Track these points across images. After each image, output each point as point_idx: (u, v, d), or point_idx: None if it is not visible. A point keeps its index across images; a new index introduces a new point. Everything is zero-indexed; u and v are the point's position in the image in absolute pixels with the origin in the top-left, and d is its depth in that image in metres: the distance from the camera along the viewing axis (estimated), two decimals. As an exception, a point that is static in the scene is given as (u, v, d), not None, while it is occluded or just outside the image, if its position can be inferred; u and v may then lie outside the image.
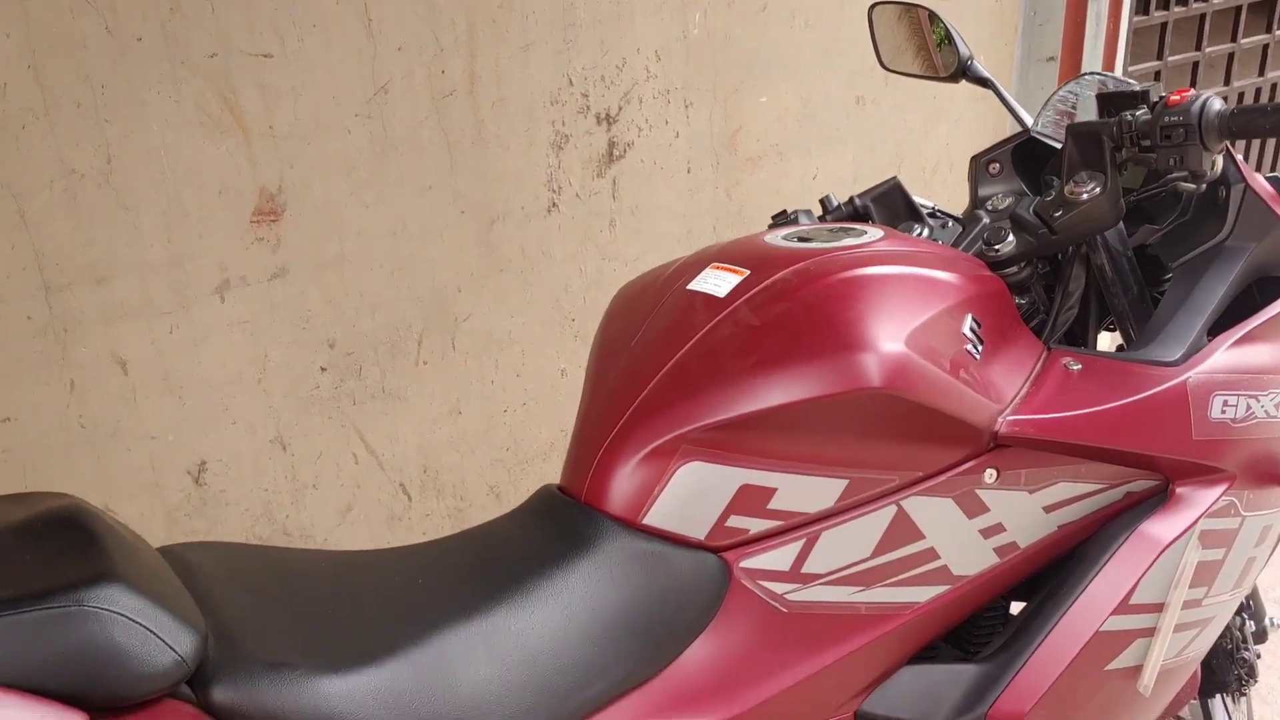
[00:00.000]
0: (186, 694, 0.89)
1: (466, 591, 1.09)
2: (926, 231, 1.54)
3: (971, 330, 1.24)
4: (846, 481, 1.17)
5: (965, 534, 1.24)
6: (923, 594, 1.24)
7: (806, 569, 1.18)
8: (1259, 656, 1.99)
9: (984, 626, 1.42)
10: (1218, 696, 1.94)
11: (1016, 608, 1.41)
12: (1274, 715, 2.38)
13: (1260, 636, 1.99)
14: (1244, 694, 1.92)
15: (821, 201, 1.63)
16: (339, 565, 1.16)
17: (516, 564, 1.15)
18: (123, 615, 0.85)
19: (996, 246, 1.46)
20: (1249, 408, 1.37)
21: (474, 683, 1.01)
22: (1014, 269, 1.47)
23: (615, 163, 2.68)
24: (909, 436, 1.18)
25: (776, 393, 1.14)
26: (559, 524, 1.19)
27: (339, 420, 2.47)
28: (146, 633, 0.85)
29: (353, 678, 0.95)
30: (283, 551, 1.20)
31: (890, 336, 1.16)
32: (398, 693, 0.96)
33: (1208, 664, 1.84)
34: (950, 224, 1.60)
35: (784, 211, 1.60)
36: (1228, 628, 1.84)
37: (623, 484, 1.17)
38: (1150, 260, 1.54)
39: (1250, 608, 1.91)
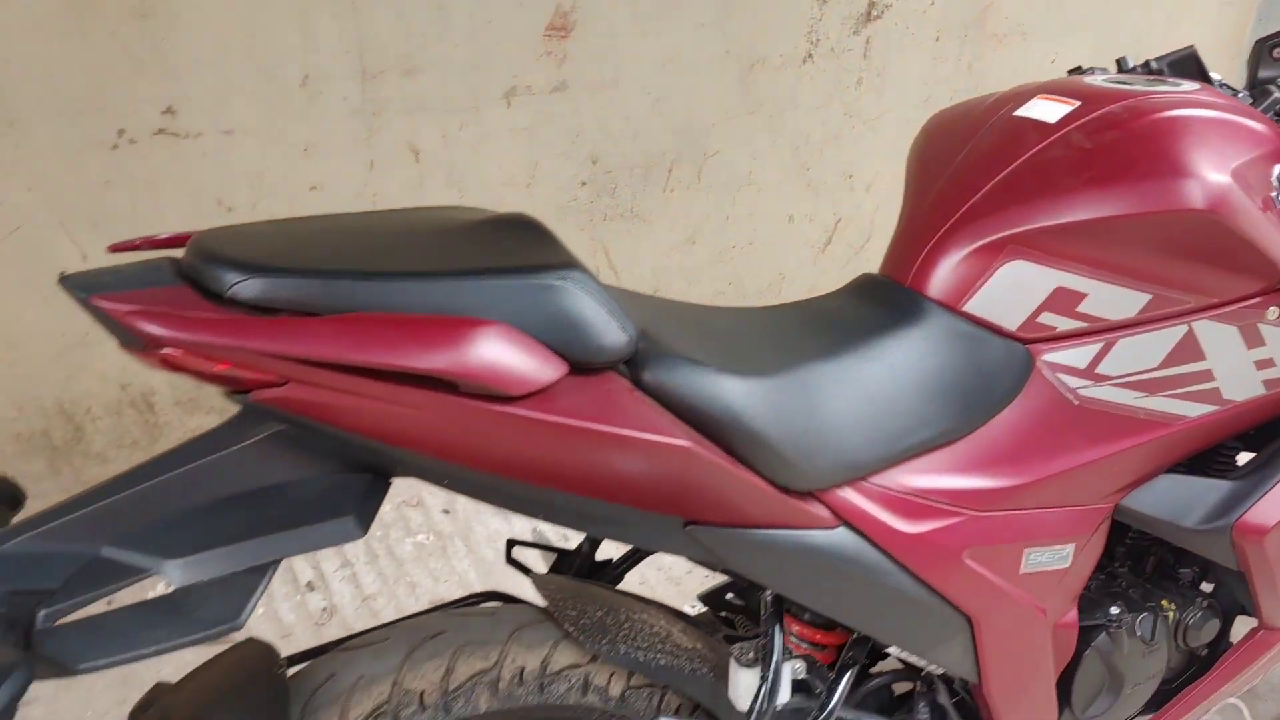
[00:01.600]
0: (623, 371, 1.09)
1: (819, 340, 1.26)
2: None
3: (1277, 179, 1.36)
4: (1149, 297, 1.31)
5: (1241, 362, 1.37)
6: (1193, 410, 1.38)
7: (1100, 370, 1.33)
8: None
9: (1221, 462, 1.56)
10: None
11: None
12: None
13: None
14: None
15: (1117, 62, 1.73)
16: (711, 309, 1.34)
17: (855, 326, 1.31)
18: (592, 296, 1.04)
19: None
20: None
21: (830, 409, 1.19)
22: None
23: (871, 22, 2.78)
24: (1213, 262, 1.30)
25: (1105, 205, 1.28)
26: (888, 301, 1.36)
27: (590, 232, 2.66)
28: (608, 314, 1.04)
29: (747, 382, 1.13)
30: (660, 298, 1.38)
31: (1216, 167, 1.28)
32: (778, 402, 1.14)
33: None
34: (1241, 94, 1.69)
35: (1079, 67, 1.71)
36: None
37: (949, 273, 1.33)
38: None
39: None
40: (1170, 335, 1.34)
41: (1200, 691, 1.58)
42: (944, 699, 1.43)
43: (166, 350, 0.94)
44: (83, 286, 0.94)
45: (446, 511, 2.85)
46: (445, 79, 2.35)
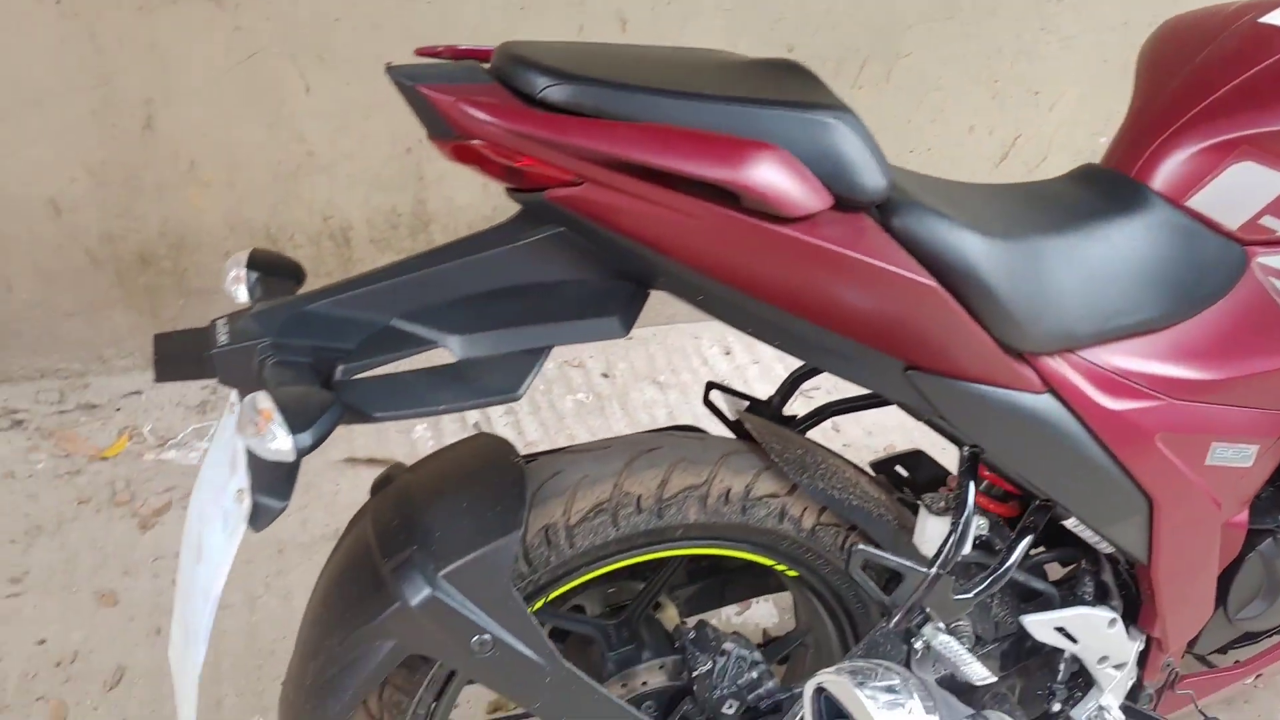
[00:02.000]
0: (874, 214, 1.15)
1: (1047, 216, 1.31)
2: None
3: None
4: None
5: None
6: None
7: (1308, 277, 1.36)
8: None
9: None
10: None
11: None
12: None
13: None
14: None
15: None
16: (945, 181, 1.40)
17: (1080, 208, 1.35)
18: (860, 138, 1.10)
19: None
20: None
21: (1054, 279, 1.24)
22: None
23: (1082, -65, 2.75)
24: None
25: (1344, 115, 1.30)
26: (1112, 189, 1.39)
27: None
28: (872, 156, 1.10)
29: (986, 240, 1.18)
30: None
31: None
32: (1011, 263, 1.19)
33: None
34: None
35: None
36: None
37: (1176, 168, 1.36)
38: None
39: None
40: None
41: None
42: (1108, 577, 1.49)
43: (476, 141, 1.03)
44: (409, 76, 1.03)
45: (606, 375, 2.96)
46: (660, -49, 2.40)
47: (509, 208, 1.13)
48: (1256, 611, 1.57)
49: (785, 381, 1.60)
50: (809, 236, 1.08)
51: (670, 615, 1.54)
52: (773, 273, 1.11)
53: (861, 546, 1.32)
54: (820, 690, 1.23)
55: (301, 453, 0.94)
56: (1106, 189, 1.40)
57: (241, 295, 1.19)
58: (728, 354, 3.05)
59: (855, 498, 1.37)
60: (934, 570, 1.31)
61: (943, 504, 1.34)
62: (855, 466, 1.46)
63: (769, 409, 1.57)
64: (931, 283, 1.13)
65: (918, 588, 1.31)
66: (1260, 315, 1.37)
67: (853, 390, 1.46)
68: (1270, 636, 1.66)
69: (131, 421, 2.70)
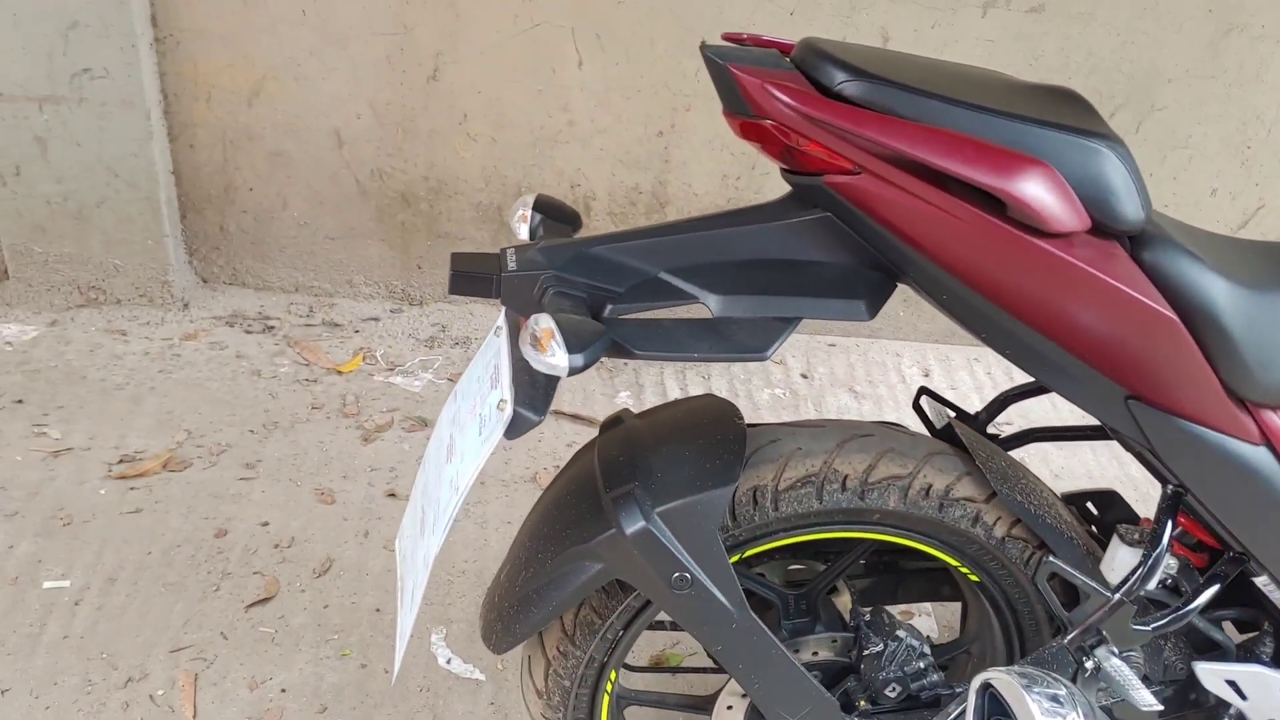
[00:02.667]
0: (1126, 245, 1.19)
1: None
2: None
3: None
4: None
5: None
6: None
7: None
8: None
9: None
10: None
11: None
12: None
13: None
14: None
15: None
16: (1210, 235, 1.41)
17: None
18: (1126, 168, 1.14)
19: None
20: None
21: None
22: None
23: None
24: None
25: None
26: None
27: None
28: (1135, 188, 1.14)
29: (1233, 286, 1.16)
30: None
31: None
32: (1253, 312, 1.16)
33: None
34: None
35: None
36: None
37: None
38: None
39: None
40: None
41: None
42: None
43: (769, 121, 1.12)
44: (721, 55, 1.13)
45: (805, 376, 3.02)
46: (935, -23, 2.44)
47: (742, 199, 1.21)
48: None
49: (994, 400, 1.63)
50: (1062, 252, 1.13)
51: (844, 601, 1.59)
52: (1020, 283, 1.16)
53: (1052, 559, 1.34)
54: (987, 687, 1.27)
55: (574, 370, 1.04)
56: None
57: (523, 232, 1.31)
58: (926, 375, 3.06)
59: (1050, 517, 1.40)
60: (1118, 596, 1.32)
61: (1137, 536, 1.35)
62: (1052, 492, 1.48)
63: (975, 423, 1.60)
64: (1171, 314, 1.15)
65: (1099, 609, 1.33)
66: None
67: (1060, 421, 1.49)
68: None
69: (367, 344, 2.89)
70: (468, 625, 2.07)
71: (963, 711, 1.40)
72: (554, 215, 1.33)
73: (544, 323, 1.05)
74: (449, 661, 2.01)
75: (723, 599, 1.28)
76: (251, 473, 2.41)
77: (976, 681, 1.29)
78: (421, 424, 2.62)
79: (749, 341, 1.16)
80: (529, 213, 1.32)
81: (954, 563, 1.44)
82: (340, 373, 2.77)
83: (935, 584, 1.70)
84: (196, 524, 2.25)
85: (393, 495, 2.39)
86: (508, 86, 2.65)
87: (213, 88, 2.69)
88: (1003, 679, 1.26)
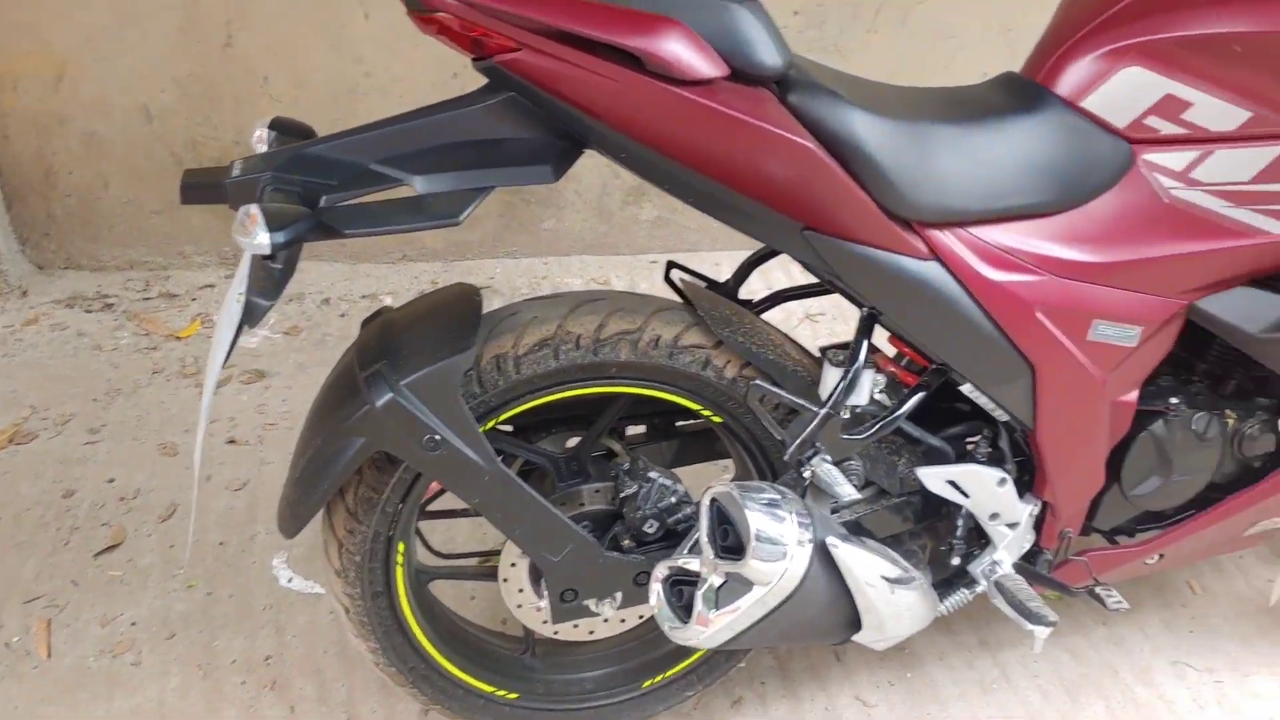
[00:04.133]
0: (774, 89, 1.31)
1: (947, 110, 1.45)
2: None
3: None
4: (1250, 115, 1.42)
5: (1331, 192, 1.49)
6: (1277, 227, 1.50)
7: (1194, 175, 1.46)
8: None
9: None
10: None
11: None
12: None
13: None
14: None
15: None
16: (868, 81, 1.54)
17: (982, 106, 1.48)
18: (758, 21, 1.26)
19: None
20: None
21: (942, 160, 1.37)
22: None
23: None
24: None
25: (1227, 22, 1.40)
26: (1018, 92, 1.51)
27: (795, 60, 2.83)
28: (768, 37, 1.26)
29: (873, 118, 1.33)
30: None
31: None
32: (894, 139, 1.33)
33: None
34: None
35: None
36: None
37: (1074, 73, 1.47)
38: None
39: None
40: (1264, 154, 1.45)
41: (1243, 499, 1.71)
42: (1004, 443, 1.61)
43: (441, 14, 1.22)
44: None
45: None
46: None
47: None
48: (1150, 489, 1.68)
49: (740, 267, 1.76)
50: (705, 99, 1.24)
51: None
52: (678, 132, 1.28)
53: (758, 381, 1.47)
54: (714, 501, 1.40)
55: (276, 247, 1.15)
56: (1014, 91, 1.53)
57: (261, 150, 1.40)
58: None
59: (773, 354, 1.52)
60: (824, 410, 1.45)
61: (841, 357, 1.48)
62: (785, 335, 1.60)
63: (724, 289, 1.72)
64: (811, 145, 1.28)
65: (809, 424, 1.46)
66: (1143, 207, 1.48)
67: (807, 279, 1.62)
68: (1176, 519, 1.77)
69: (204, 310, 2.94)
70: (306, 549, 2.16)
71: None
72: (289, 132, 1.42)
73: (250, 210, 1.17)
74: (290, 581, 2.10)
75: (473, 455, 1.39)
76: (96, 437, 2.47)
77: (705, 497, 1.41)
78: (259, 375, 2.69)
79: (445, 209, 1.27)
80: (264, 132, 1.41)
81: (695, 406, 1.56)
82: (180, 338, 2.82)
83: (709, 442, 1.82)
84: (45, 488, 2.31)
85: (232, 442, 2.46)
86: (301, 46, 2.70)
87: (18, 76, 2.72)
88: (723, 491, 1.39)
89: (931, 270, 1.41)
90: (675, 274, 1.72)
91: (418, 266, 3.16)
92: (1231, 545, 1.87)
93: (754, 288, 1.74)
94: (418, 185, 1.29)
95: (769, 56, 1.26)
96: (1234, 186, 1.47)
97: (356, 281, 3.10)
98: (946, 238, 1.41)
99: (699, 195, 1.36)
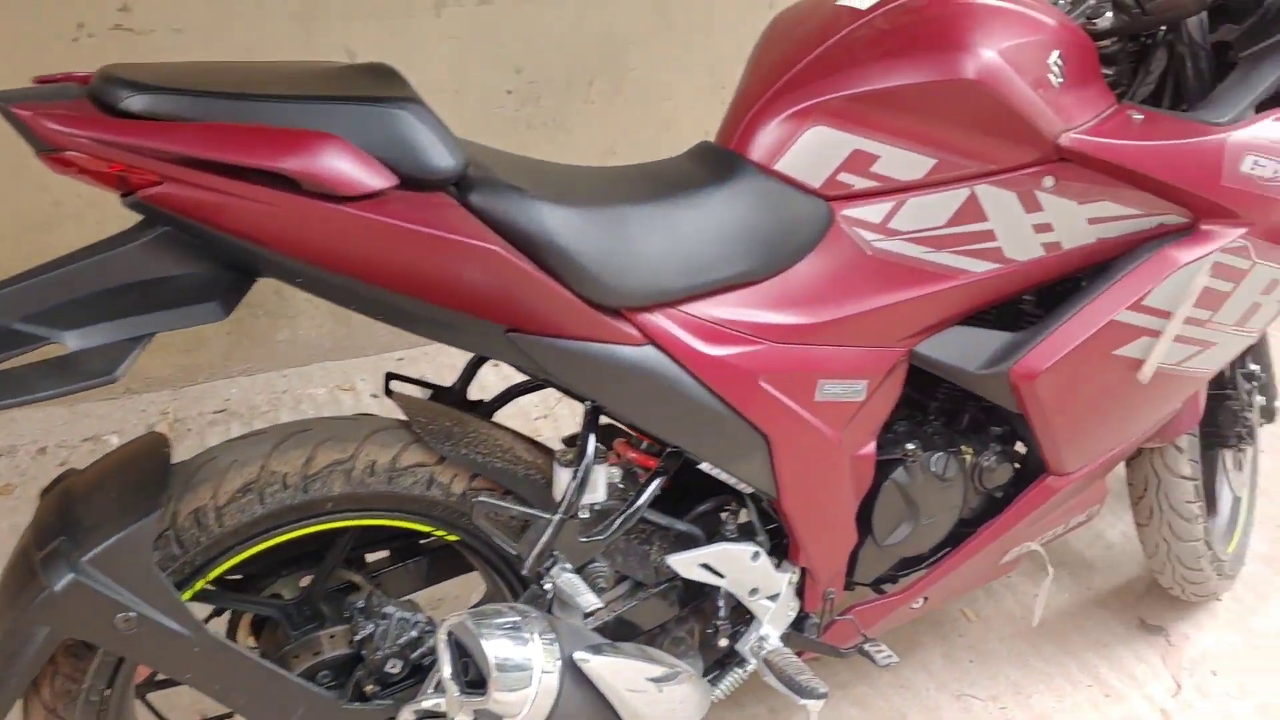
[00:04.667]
0: (452, 192, 1.24)
1: (644, 189, 1.42)
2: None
3: (1055, 64, 1.50)
4: (935, 161, 1.46)
5: (1021, 225, 1.52)
6: (979, 266, 1.53)
7: (892, 225, 1.48)
8: (1262, 424, 2.26)
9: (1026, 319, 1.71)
10: (1219, 451, 2.23)
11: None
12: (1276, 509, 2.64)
13: (1269, 415, 2.25)
14: (1241, 453, 2.20)
15: None
16: (557, 165, 1.49)
17: (680, 182, 1.47)
18: (424, 124, 1.19)
19: (1094, 20, 1.70)
20: (1276, 172, 1.62)
21: (641, 241, 1.34)
22: (1107, 43, 1.71)
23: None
24: (988, 131, 1.45)
25: (892, 77, 1.43)
26: (712, 162, 1.51)
27: (517, 139, 2.80)
28: (438, 139, 1.19)
29: (562, 209, 1.28)
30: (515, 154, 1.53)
31: (986, 45, 1.43)
32: (589, 228, 1.29)
33: (1214, 418, 2.12)
34: (1061, 1, 1.84)
35: None
36: (1236, 389, 2.11)
37: (764, 138, 1.48)
38: (1225, 58, 1.77)
39: (1261, 380, 2.18)
40: (955, 197, 1.49)
41: (991, 532, 1.75)
42: (752, 516, 1.59)
43: (70, 153, 1.10)
44: (5, 99, 1.10)
45: (375, 396, 3.01)
46: (379, -13, 2.48)
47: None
48: (903, 536, 1.68)
49: (468, 364, 1.68)
50: (375, 214, 1.17)
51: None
52: (352, 251, 1.20)
53: (483, 498, 1.40)
54: (451, 634, 1.31)
55: None
56: (710, 161, 1.52)
57: None
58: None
59: (501, 460, 1.45)
60: (557, 516, 1.39)
61: (570, 457, 1.42)
62: (519, 435, 1.53)
63: (452, 395, 1.64)
64: (497, 247, 1.22)
65: (543, 534, 1.39)
66: (849, 262, 1.49)
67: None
68: (933, 560, 1.78)
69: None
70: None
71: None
72: None
73: None
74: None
75: (176, 626, 1.26)
76: None
77: (440, 633, 1.32)
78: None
79: (99, 366, 1.15)
80: None
81: (425, 528, 1.47)
82: None
83: (458, 557, 1.73)
84: None
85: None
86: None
87: None
88: (457, 623, 1.30)
89: (647, 355, 1.37)
90: (395, 385, 1.63)
91: (144, 399, 2.95)
92: (992, 574, 1.90)
93: (488, 382, 1.67)
94: (69, 342, 1.15)
95: (440, 159, 1.20)
96: (931, 232, 1.50)
97: (76, 424, 2.86)
98: (658, 320, 1.38)
99: (389, 311, 1.29)
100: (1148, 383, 1.63)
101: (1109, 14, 1.69)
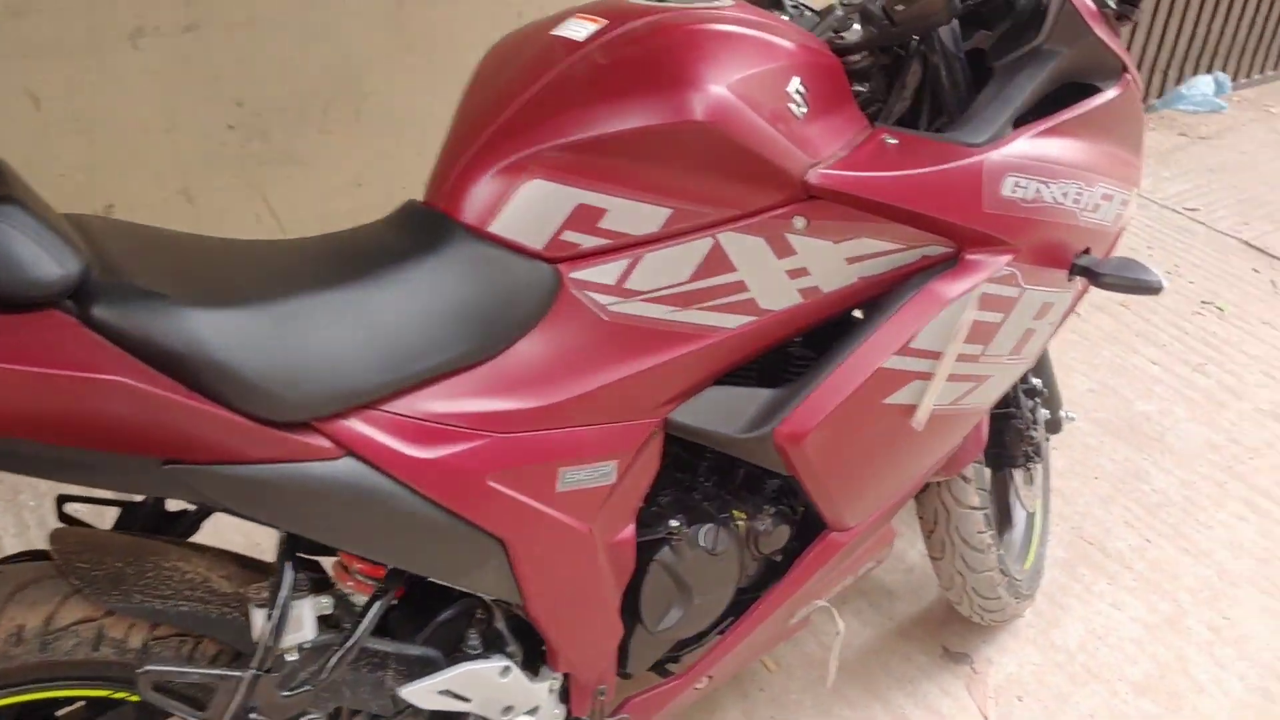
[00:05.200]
0: (69, 307, 1.01)
1: (328, 270, 1.21)
2: (786, 18, 1.64)
3: (797, 92, 1.36)
4: (670, 211, 1.30)
5: (773, 272, 1.38)
6: (731, 321, 1.38)
7: (629, 285, 1.31)
8: (1048, 439, 2.21)
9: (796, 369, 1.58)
10: (1009, 471, 2.16)
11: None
12: (1077, 514, 2.61)
13: (1054, 426, 2.20)
14: (1030, 470, 2.14)
15: None
16: (224, 243, 1.27)
17: (376, 256, 1.26)
18: (18, 229, 0.96)
19: (842, 34, 1.57)
20: (1038, 192, 1.52)
21: (323, 339, 1.14)
22: (857, 57, 1.58)
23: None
24: (726, 174, 1.30)
25: (614, 121, 1.26)
26: (418, 227, 1.31)
27: (245, 178, 2.54)
28: (38, 247, 0.96)
29: (217, 313, 1.06)
30: (173, 231, 1.30)
31: (716, 80, 1.27)
32: (249, 332, 1.08)
33: (1001, 438, 2.05)
34: (808, 14, 1.71)
35: None
36: (1020, 408, 2.03)
37: (475, 196, 1.29)
38: (983, 65, 1.67)
39: (1044, 394, 2.11)
40: (697, 249, 1.33)
41: (775, 597, 1.61)
42: (500, 624, 1.40)
43: None
44: None
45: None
46: (59, 19, 2.18)
47: None
48: (677, 618, 1.53)
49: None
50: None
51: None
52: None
53: (151, 665, 1.17)
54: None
55: None
56: (415, 226, 1.32)
57: None
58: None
59: (191, 601, 1.22)
60: (249, 673, 1.17)
61: (265, 593, 1.21)
62: (224, 558, 1.31)
63: (141, 513, 1.40)
64: (115, 377, 1.00)
65: (232, 696, 1.18)
66: (584, 331, 1.32)
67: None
68: (715, 636, 1.63)
69: None
70: None
71: None
72: None
73: None
74: None
75: None
76: None
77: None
78: None
79: None
80: None
81: (102, 693, 1.23)
82: None
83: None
84: None
85: None
86: None
87: None
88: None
89: (344, 469, 1.17)
90: (71, 507, 1.38)
91: None
92: (782, 638, 1.77)
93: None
94: None
95: (45, 271, 0.97)
96: (674, 289, 1.34)
97: None
98: (355, 426, 1.17)
99: (20, 460, 1.05)
100: (922, 428, 1.52)
101: (856, 26, 1.57)
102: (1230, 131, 5.00)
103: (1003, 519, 2.26)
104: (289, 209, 2.63)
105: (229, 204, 2.54)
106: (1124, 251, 3.91)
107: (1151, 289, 1.60)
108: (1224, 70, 5.41)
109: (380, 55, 2.60)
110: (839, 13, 1.63)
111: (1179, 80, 5.27)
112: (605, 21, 1.36)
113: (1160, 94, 5.22)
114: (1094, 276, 1.64)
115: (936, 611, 2.30)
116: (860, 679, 2.13)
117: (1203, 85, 5.24)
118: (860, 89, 1.61)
